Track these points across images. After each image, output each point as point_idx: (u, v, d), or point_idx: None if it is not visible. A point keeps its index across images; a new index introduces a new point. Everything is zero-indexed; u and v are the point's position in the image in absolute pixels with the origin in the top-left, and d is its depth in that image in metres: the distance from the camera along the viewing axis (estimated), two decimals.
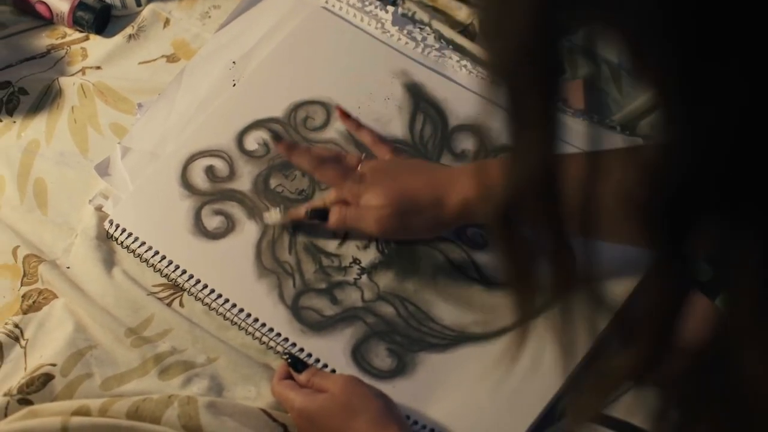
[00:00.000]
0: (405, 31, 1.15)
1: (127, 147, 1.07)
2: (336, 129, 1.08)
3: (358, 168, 0.99)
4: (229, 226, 1.02)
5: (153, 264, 1.01)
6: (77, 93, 1.12)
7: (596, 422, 0.90)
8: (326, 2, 1.17)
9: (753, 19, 0.42)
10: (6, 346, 0.97)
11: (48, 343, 0.97)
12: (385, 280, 1.00)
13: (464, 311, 0.99)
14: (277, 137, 1.00)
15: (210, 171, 1.05)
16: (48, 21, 1.18)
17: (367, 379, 0.93)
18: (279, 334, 0.97)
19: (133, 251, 1.01)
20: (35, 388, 0.93)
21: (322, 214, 0.98)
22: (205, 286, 0.99)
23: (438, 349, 0.97)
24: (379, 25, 1.15)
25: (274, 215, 1.01)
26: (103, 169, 1.06)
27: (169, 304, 0.99)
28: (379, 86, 1.11)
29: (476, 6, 1.11)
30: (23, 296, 1.00)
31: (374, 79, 1.12)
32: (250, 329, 0.97)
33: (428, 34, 1.15)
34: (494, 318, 0.98)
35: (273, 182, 1.05)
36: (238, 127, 1.08)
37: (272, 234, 1.02)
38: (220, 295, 0.99)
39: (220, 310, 0.98)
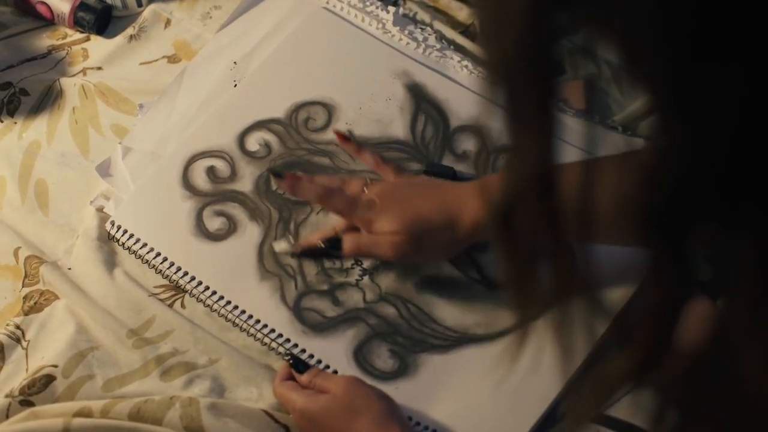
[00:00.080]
0: (406, 32, 1.15)
1: (128, 147, 1.07)
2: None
3: (365, 193, 0.98)
4: (231, 227, 1.02)
5: (154, 265, 1.01)
6: (78, 94, 1.12)
7: (596, 422, 0.90)
8: (327, 3, 1.17)
9: (754, 19, 0.42)
10: (7, 347, 0.97)
11: (49, 345, 0.97)
12: (387, 281, 1.00)
13: (466, 312, 0.98)
14: (278, 174, 0.99)
15: (211, 172, 1.05)
16: (49, 21, 1.18)
17: (369, 380, 0.93)
18: (281, 336, 0.97)
19: (135, 252, 1.01)
20: (37, 390, 0.93)
21: (335, 243, 0.97)
22: (207, 288, 0.99)
23: (440, 350, 0.97)
24: (380, 25, 1.15)
25: (283, 244, 1.01)
26: (105, 170, 1.06)
27: (170, 306, 0.99)
28: (381, 87, 1.11)
29: (474, 6, 1.11)
30: (24, 297, 1.00)
31: (375, 79, 1.11)
32: (252, 331, 0.97)
33: (429, 35, 1.15)
34: (496, 319, 0.98)
35: (274, 183, 1.04)
36: (240, 128, 1.08)
37: (274, 236, 1.02)
38: (221, 297, 0.98)
39: (222, 311, 0.98)
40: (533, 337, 0.59)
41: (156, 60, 1.16)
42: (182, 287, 1.00)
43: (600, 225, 0.51)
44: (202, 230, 1.02)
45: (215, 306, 0.98)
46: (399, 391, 0.93)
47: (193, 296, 0.99)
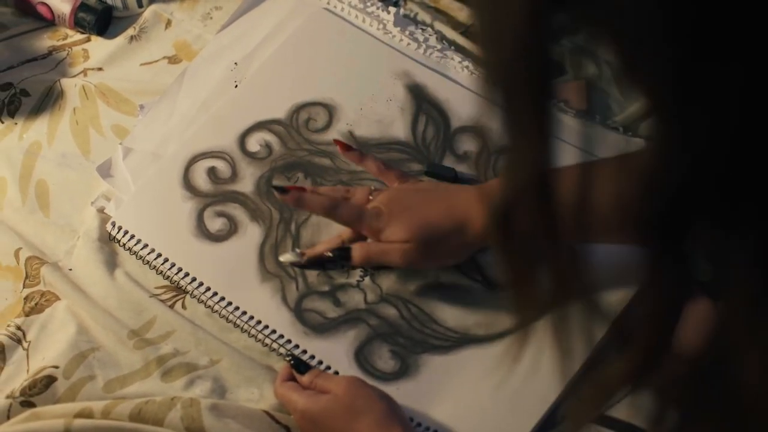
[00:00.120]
0: (407, 32, 1.15)
1: (129, 148, 1.07)
2: (338, 130, 1.08)
3: (370, 201, 0.98)
4: (232, 228, 1.02)
5: (155, 266, 1.01)
6: (79, 94, 1.12)
7: (597, 423, 0.90)
8: (328, 3, 1.17)
9: (754, 19, 0.42)
10: (8, 348, 0.97)
11: (50, 345, 0.97)
12: (388, 282, 1.00)
13: (467, 313, 0.98)
14: (282, 190, 0.98)
15: (212, 172, 1.05)
16: (49, 22, 1.18)
17: (370, 381, 0.92)
18: (282, 336, 0.97)
19: (136, 253, 1.01)
20: (38, 391, 0.93)
21: (344, 253, 0.97)
22: (208, 289, 0.99)
23: (441, 351, 0.97)
24: (381, 26, 1.15)
25: (289, 256, 1.01)
26: (105, 171, 1.06)
27: (171, 306, 0.99)
28: (381, 87, 1.11)
29: (472, 7, 1.11)
30: (25, 298, 1.00)
31: (376, 80, 1.11)
32: (253, 332, 0.97)
33: (430, 35, 1.15)
34: (497, 320, 0.98)
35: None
36: (240, 129, 1.08)
37: (275, 237, 1.02)
38: (222, 298, 0.98)
39: (223, 312, 0.98)
40: (534, 339, 0.59)
41: (156, 61, 1.16)
42: (183, 288, 1.00)
43: (599, 226, 0.51)
44: (202, 231, 1.02)
45: (216, 307, 0.98)
46: (400, 392, 0.93)
47: (194, 297, 0.99)
